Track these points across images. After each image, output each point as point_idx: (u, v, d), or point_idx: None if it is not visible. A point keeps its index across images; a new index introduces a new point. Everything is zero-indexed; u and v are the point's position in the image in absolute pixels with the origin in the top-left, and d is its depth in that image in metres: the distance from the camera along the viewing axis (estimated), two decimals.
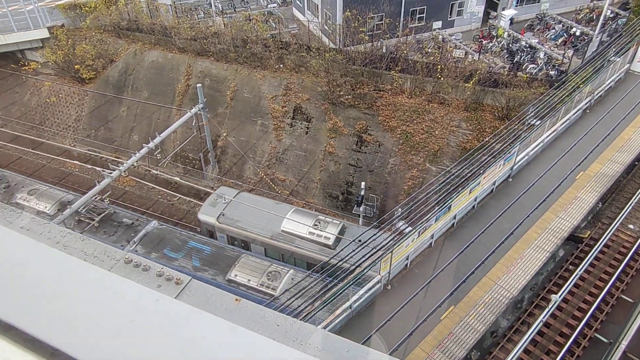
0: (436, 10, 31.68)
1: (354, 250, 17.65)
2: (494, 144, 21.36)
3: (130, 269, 2.12)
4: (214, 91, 30.99)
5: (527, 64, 28.16)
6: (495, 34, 31.88)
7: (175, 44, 32.58)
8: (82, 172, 32.05)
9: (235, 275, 19.58)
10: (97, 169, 26.47)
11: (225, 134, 30.51)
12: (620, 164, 22.43)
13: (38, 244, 2.10)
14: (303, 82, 29.26)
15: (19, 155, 33.49)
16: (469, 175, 19.99)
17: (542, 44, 30.34)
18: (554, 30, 32.08)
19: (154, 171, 30.13)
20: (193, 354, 1.70)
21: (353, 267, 17.12)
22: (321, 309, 15.97)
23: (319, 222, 21.42)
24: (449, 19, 32.69)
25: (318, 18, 33.40)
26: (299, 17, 36.97)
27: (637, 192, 22.07)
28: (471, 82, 25.98)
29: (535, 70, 27.46)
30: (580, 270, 18.46)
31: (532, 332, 16.37)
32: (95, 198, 22.48)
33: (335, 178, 28.19)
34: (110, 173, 22.52)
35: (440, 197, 18.97)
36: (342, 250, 19.14)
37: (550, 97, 23.78)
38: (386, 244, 17.51)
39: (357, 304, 17.07)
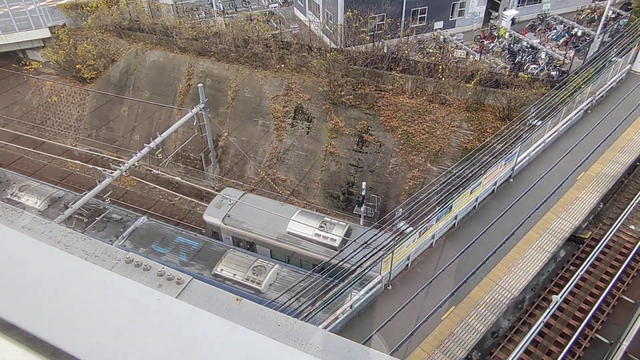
0: (437, 11, 31.68)
1: (355, 250, 17.65)
2: (495, 144, 21.34)
3: (132, 268, 2.12)
4: (215, 91, 31.00)
5: (528, 64, 28.12)
6: (496, 35, 31.84)
7: (177, 44, 32.60)
8: (84, 172, 32.08)
9: (221, 270, 19.78)
10: (98, 168, 26.47)
11: (226, 134, 30.52)
12: (622, 165, 22.40)
13: (39, 243, 2.10)
14: (304, 82, 29.25)
15: (21, 154, 33.54)
16: (470, 175, 19.98)
17: (544, 45, 30.30)
18: (555, 31, 32.05)
19: (155, 171, 30.17)
20: (194, 353, 1.70)
21: (354, 267, 17.12)
22: (321, 309, 15.97)
23: (325, 224, 21.42)
24: (450, 19, 32.68)
25: (319, 18, 33.40)
26: (300, 17, 36.98)
27: (639, 193, 22.05)
28: (472, 83, 25.96)
29: (536, 71, 27.42)
30: (581, 271, 18.43)
31: (533, 333, 16.36)
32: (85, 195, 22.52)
33: (336, 178, 28.18)
34: (112, 173, 22.55)
35: (442, 198, 18.96)
36: (345, 249, 19.17)
37: (552, 97, 23.75)
38: (387, 244, 17.51)
39: (358, 304, 17.07)
